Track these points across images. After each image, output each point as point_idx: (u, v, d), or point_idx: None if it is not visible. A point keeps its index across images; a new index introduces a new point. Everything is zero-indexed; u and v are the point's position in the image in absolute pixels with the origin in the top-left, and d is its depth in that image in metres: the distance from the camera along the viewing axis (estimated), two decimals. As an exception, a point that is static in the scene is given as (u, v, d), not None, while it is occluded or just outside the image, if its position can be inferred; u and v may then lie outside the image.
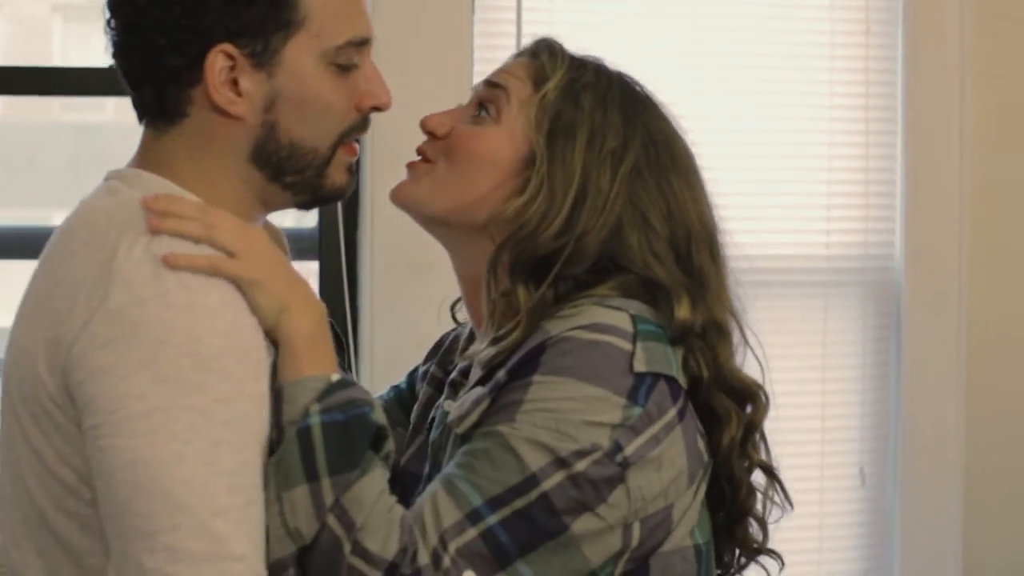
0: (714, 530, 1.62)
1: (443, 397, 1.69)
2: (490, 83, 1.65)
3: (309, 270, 2.99)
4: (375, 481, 1.43)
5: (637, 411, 1.48)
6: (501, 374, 1.52)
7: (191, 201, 1.48)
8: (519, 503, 1.44)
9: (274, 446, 1.42)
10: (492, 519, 1.43)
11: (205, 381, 1.38)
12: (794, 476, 3.22)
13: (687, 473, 1.53)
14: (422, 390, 1.78)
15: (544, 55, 1.64)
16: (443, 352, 1.80)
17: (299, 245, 2.97)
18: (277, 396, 1.43)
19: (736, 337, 1.65)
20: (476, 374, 1.60)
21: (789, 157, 3.13)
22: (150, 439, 1.37)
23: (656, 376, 1.50)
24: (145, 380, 1.37)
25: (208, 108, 1.51)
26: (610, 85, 1.63)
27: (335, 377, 1.45)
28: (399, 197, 1.66)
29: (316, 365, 1.45)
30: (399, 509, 1.44)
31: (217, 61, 1.48)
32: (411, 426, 1.75)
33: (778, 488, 1.69)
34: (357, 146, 1.60)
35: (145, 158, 1.55)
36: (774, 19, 3.10)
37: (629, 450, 1.47)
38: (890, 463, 3.18)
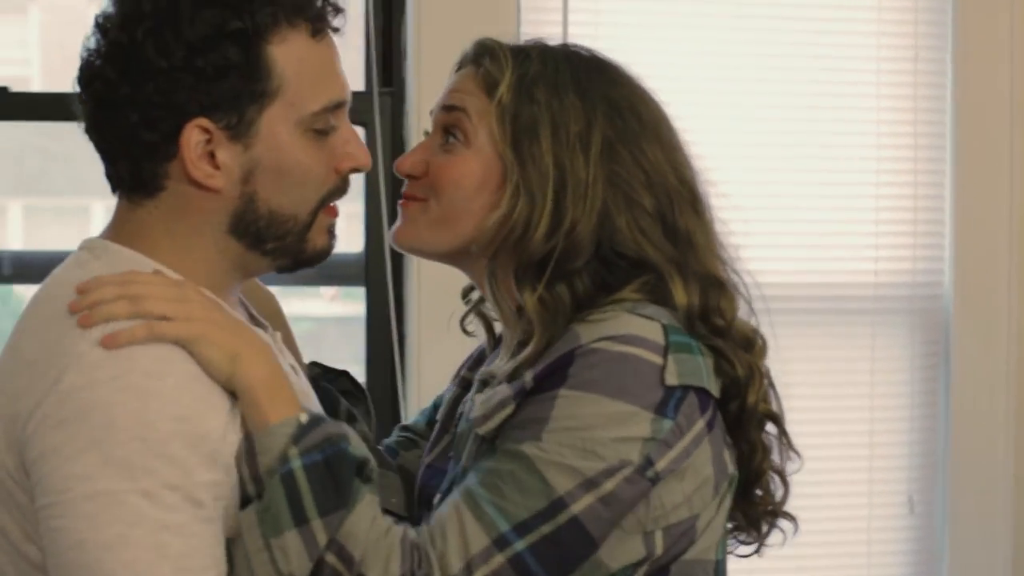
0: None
1: (471, 392, 1.68)
2: (446, 107, 1.63)
3: (355, 296, 2.99)
4: (365, 510, 1.42)
5: (668, 424, 1.47)
6: (528, 377, 1.51)
7: (111, 279, 1.45)
8: (547, 528, 1.43)
9: (250, 499, 1.40)
10: (520, 545, 1.43)
11: (153, 466, 1.37)
12: (841, 504, 3.21)
13: (712, 483, 1.53)
14: (450, 390, 1.78)
15: (486, 60, 1.61)
16: (475, 359, 1.80)
17: (345, 271, 2.99)
18: (249, 448, 1.41)
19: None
20: (503, 374, 1.59)
21: (837, 184, 3.10)
22: (95, 521, 1.36)
23: (686, 388, 1.49)
24: (93, 462, 1.37)
25: (185, 182, 1.49)
26: (558, 68, 1.60)
27: (304, 418, 1.43)
28: (400, 241, 1.66)
29: (281, 409, 1.42)
30: (397, 530, 1.44)
31: (192, 136, 1.47)
32: (439, 424, 1.75)
33: (785, 439, 1.65)
34: (337, 207, 1.59)
35: (118, 230, 1.54)
36: (822, 43, 3.08)
37: (661, 464, 1.47)
38: (939, 491, 3.15)
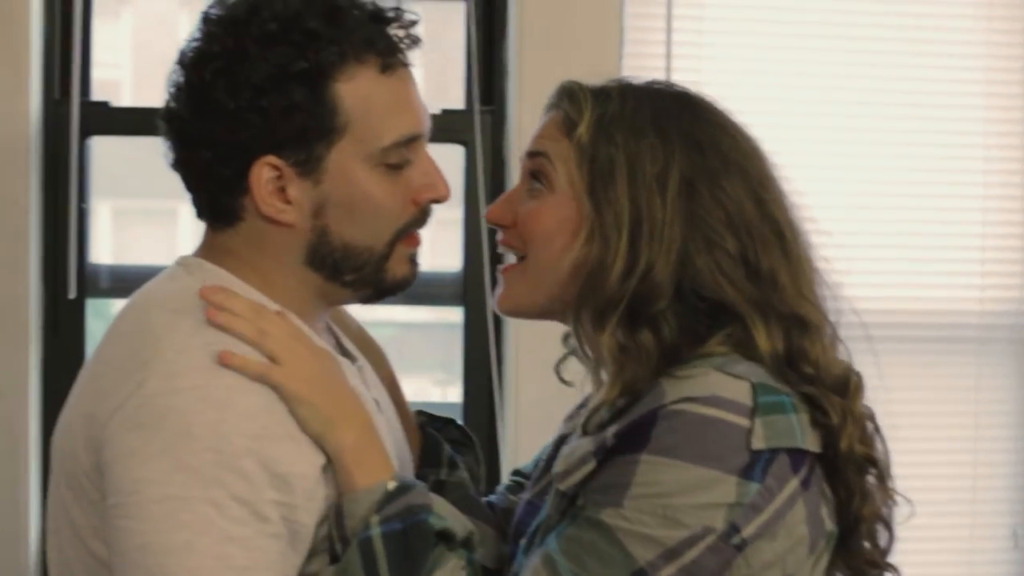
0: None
1: (573, 435, 1.66)
2: (530, 153, 1.63)
3: (452, 316, 2.98)
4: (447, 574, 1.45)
5: (754, 487, 1.44)
6: (610, 434, 1.49)
7: (248, 301, 1.51)
8: None
9: (337, 558, 1.45)
10: None
11: (224, 478, 1.40)
12: (944, 536, 3.15)
13: (807, 542, 1.49)
14: (560, 429, 1.77)
15: (565, 103, 1.61)
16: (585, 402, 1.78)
17: (442, 290, 2.98)
18: (338, 510, 1.46)
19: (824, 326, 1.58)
20: (584, 423, 1.58)
21: (942, 207, 3.06)
22: (162, 525, 1.39)
23: (775, 450, 1.46)
24: (164, 467, 1.40)
25: (258, 216, 1.53)
26: (638, 106, 1.58)
27: (391, 485, 1.46)
28: (504, 307, 1.66)
29: (369, 475, 1.47)
30: None
31: (263, 173, 1.51)
32: (543, 461, 1.73)
33: (885, 484, 1.60)
34: (419, 236, 1.61)
35: (207, 250, 1.59)
36: (926, 64, 3.03)
37: (748, 530, 1.44)
38: (1044, 526, 3.09)
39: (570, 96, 1.61)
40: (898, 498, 1.62)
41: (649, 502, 1.43)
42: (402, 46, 1.56)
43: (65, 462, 1.51)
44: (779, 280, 1.55)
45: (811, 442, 1.50)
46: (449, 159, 2.94)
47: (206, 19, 1.53)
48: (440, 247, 3.00)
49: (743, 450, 1.44)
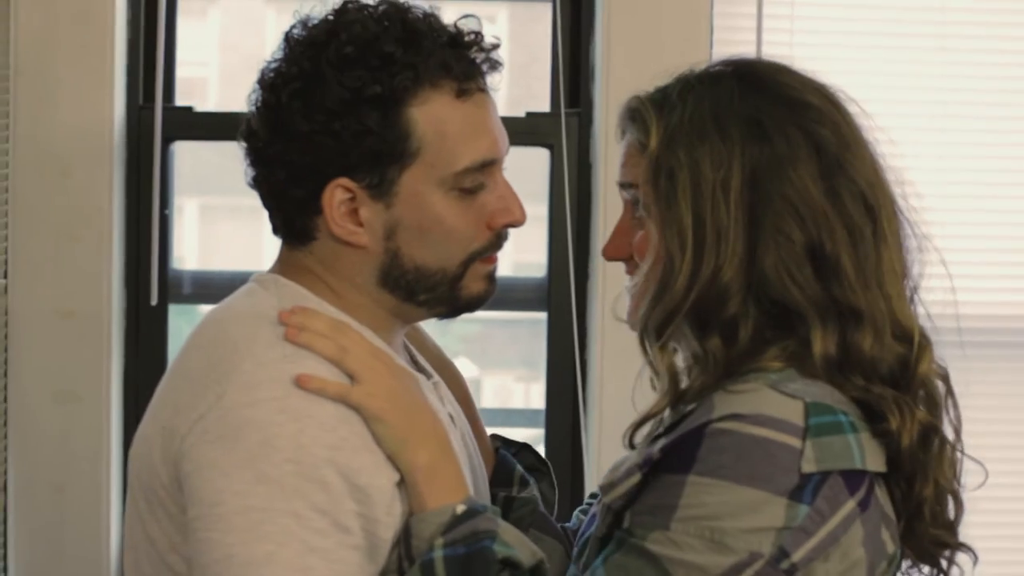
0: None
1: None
2: (620, 184, 1.61)
3: (536, 313, 2.96)
4: None
5: (804, 510, 1.41)
6: (657, 448, 1.47)
7: (328, 318, 1.53)
8: None
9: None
10: None
11: (305, 489, 1.41)
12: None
13: (865, 565, 1.45)
14: None
15: (632, 127, 1.58)
16: None
17: (526, 295, 2.97)
18: (406, 529, 1.47)
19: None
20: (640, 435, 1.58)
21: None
22: (245, 537, 1.41)
23: (827, 472, 1.42)
24: (247, 479, 1.41)
25: (331, 237, 1.56)
26: (698, 106, 1.53)
27: (460, 509, 1.47)
28: (630, 323, 1.62)
29: (438, 497, 1.47)
30: None
31: (335, 195, 1.53)
32: None
33: (961, 452, 1.56)
34: (496, 256, 1.62)
35: (283, 266, 1.62)
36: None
37: (798, 555, 1.40)
38: None
39: (633, 117, 1.58)
40: (969, 466, 1.58)
41: (696, 524, 1.41)
42: (480, 70, 1.58)
43: (142, 476, 1.52)
44: (843, 268, 1.50)
45: (873, 461, 1.47)
46: (535, 162, 2.96)
47: (287, 39, 1.56)
48: (525, 244, 3.00)
49: (793, 471, 1.41)
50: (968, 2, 2.95)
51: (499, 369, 3.45)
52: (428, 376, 1.68)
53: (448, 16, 1.60)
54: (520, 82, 3.14)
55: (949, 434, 1.55)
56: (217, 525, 1.41)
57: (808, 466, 1.41)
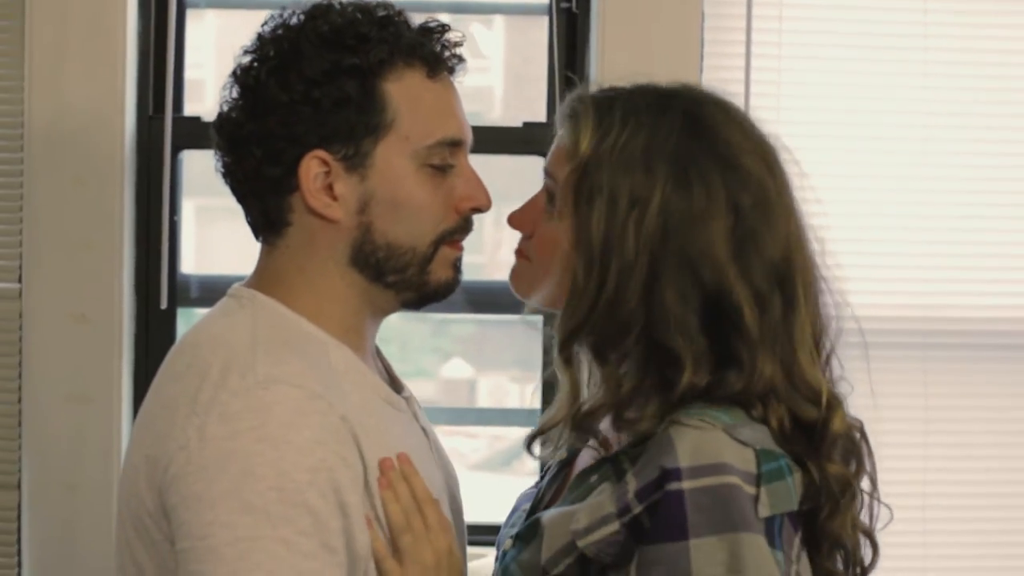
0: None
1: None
2: (545, 172, 1.65)
3: (531, 322, 2.98)
4: None
5: (780, 556, 1.48)
6: (631, 494, 1.49)
7: (417, 490, 1.54)
8: None
9: None
10: None
11: (290, 515, 1.42)
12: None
13: None
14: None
15: (569, 123, 1.61)
16: None
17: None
18: None
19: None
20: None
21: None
22: (236, 567, 1.41)
23: (781, 516, 1.49)
24: (232, 509, 1.42)
25: (307, 213, 1.58)
26: (633, 135, 1.55)
27: None
28: (513, 287, 1.68)
29: None
30: None
31: (312, 167, 1.56)
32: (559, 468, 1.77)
33: (872, 496, 1.63)
34: (462, 244, 1.64)
35: (259, 277, 1.63)
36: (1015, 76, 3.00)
37: None
38: None
39: (573, 116, 1.60)
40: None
41: None
42: (447, 57, 1.62)
43: (131, 503, 1.54)
44: (744, 322, 1.52)
45: (799, 498, 1.53)
46: (531, 170, 2.96)
47: (259, 36, 1.60)
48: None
49: (757, 516, 1.47)
50: (951, 4, 2.97)
51: (494, 370, 3.43)
52: (400, 389, 1.71)
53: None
54: (517, 93, 3.17)
55: (865, 484, 1.61)
56: (208, 557, 1.42)
57: (763, 511, 1.47)
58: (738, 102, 1.65)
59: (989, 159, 2.99)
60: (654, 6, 2.87)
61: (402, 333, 3.25)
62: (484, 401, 3.39)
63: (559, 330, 1.58)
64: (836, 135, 2.94)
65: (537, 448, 1.68)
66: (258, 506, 1.42)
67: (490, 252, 3.17)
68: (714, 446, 1.48)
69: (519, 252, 1.67)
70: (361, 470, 1.50)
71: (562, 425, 1.61)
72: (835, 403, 1.57)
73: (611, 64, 2.86)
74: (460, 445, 3.39)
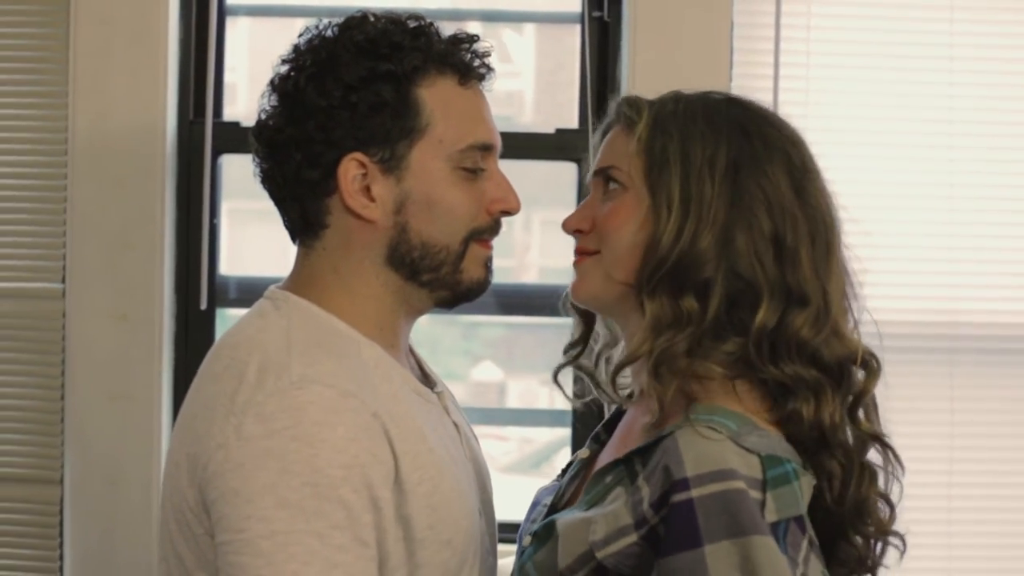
0: (833, 530, 1.62)
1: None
2: (598, 169, 1.69)
3: (561, 326, 3.00)
4: None
5: (786, 561, 1.50)
6: (645, 504, 1.53)
7: None
8: None
9: None
10: None
11: (324, 509, 1.47)
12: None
13: None
14: (586, 449, 1.84)
15: (624, 107, 1.68)
16: (614, 418, 1.86)
17: (552, 300, 2.91)
18: None
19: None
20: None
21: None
22: (272, 559, 1.46)
23: (787, 520, 1.52)
24: (269, 504, 1.47)
25: (344, 213, 1.63)
26: (690, 103, 1.66)
27: None
28: (576, 296, 1.71)
29: None
30: None
31: (349, 169, 1.61)
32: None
33: (892, 457, 1.66)
34: (492, 244, 1.69)
35: (295, 279, 1.68)
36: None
37: None
38: None
39: (628, 102, 1.69)
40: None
41: None
42: (477, 65, 1.67)
43: (173, 497, 1.59)
44: (800, 257, 1.60)
45: (807, 497, 1.56)
46: (563, 176, 3.00)
47: (296, 47, 1.65)
48: (551, 251, 3.01)
49: (764, 520, 1.50)
50: (977, 12, 2.98)
51: (524, 373, 3.46)
52: (433, 385, 1.75)
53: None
54: (549, 99, 3.19)
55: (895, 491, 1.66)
56: (245, 549, 1.47)
57: (770, 515, 1.50)
58: (766, 110, 1.73)
59: (1015, 165, 3.00)
60: (685, 15, 2.90)
61: (432, 336, 3.27)
62: (514, 403, 3.42)
63: (640, 278, 1.62)
64: (863, 142, 2.96)
65: (620, 379, 1.71)
66: (293, 501, 1.47)
67: (519, 255, 3.20)
68: (719, 453, 1.52)
69: (579, 252, 1.70)
70: (392, 465, 1.54)
71: (640, 362, 1.62)
72: (870, 360, 1.63)
73: (642, 72, 2.89)
74: (491, 448, 3.41)
